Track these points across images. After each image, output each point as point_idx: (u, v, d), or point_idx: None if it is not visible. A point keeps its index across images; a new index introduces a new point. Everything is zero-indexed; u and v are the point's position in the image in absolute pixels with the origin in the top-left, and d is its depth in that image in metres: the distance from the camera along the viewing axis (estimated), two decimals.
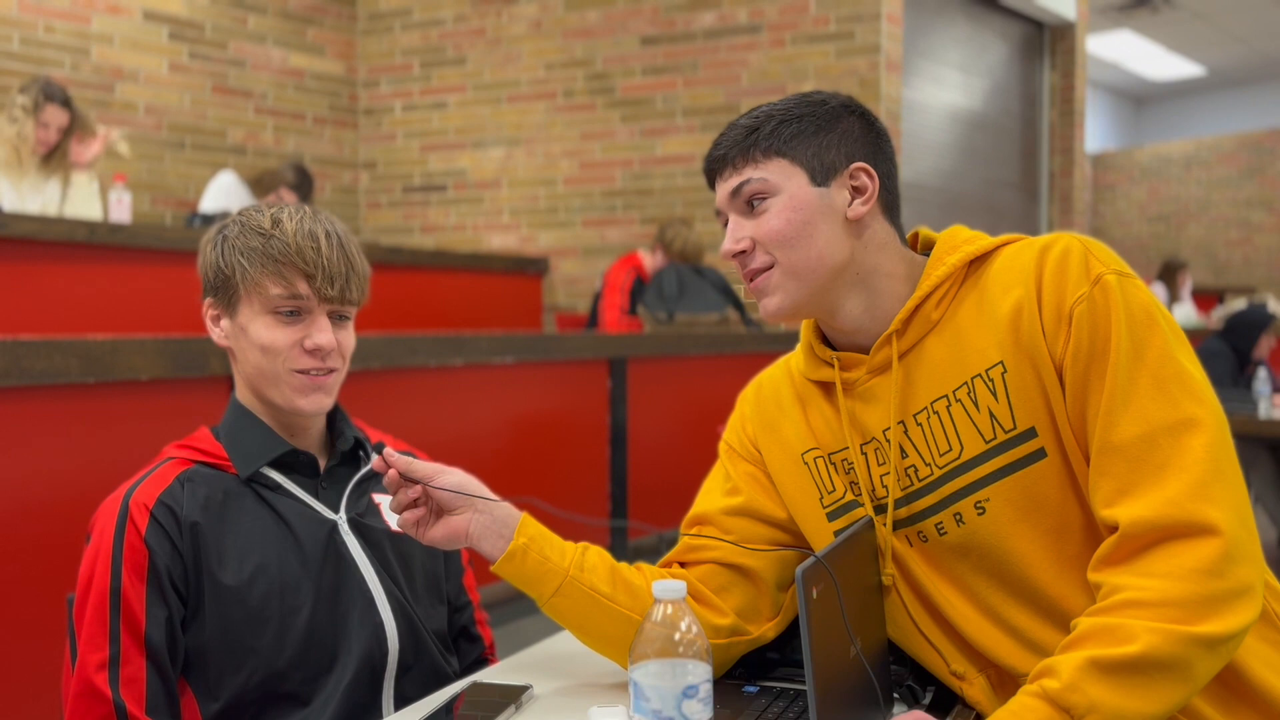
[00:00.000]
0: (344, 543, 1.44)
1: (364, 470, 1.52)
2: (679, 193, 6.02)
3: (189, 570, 1.36)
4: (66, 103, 4.40)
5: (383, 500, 1.51)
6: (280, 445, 1.45)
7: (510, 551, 1.29)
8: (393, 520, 1.48)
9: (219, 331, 1.47)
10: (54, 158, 4.40)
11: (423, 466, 1.31)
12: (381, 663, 1.43)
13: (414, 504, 1.32)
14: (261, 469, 1.44)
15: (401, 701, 1.43)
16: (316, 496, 1.46)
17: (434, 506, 1.32)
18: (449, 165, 6.69)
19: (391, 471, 1.30)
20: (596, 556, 1.33)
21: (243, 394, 1.48)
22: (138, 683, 1.31)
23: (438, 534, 1.32)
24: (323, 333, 1.42)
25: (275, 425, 1.46)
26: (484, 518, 1.31)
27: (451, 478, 1.32)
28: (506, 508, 1.33)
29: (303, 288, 1.40)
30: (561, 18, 6.29)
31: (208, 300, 1.47)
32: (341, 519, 1.46)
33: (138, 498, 1.37)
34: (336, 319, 1.45)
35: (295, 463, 1.47)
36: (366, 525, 1.48)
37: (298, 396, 1.43)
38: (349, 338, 1.47)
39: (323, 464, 1.49)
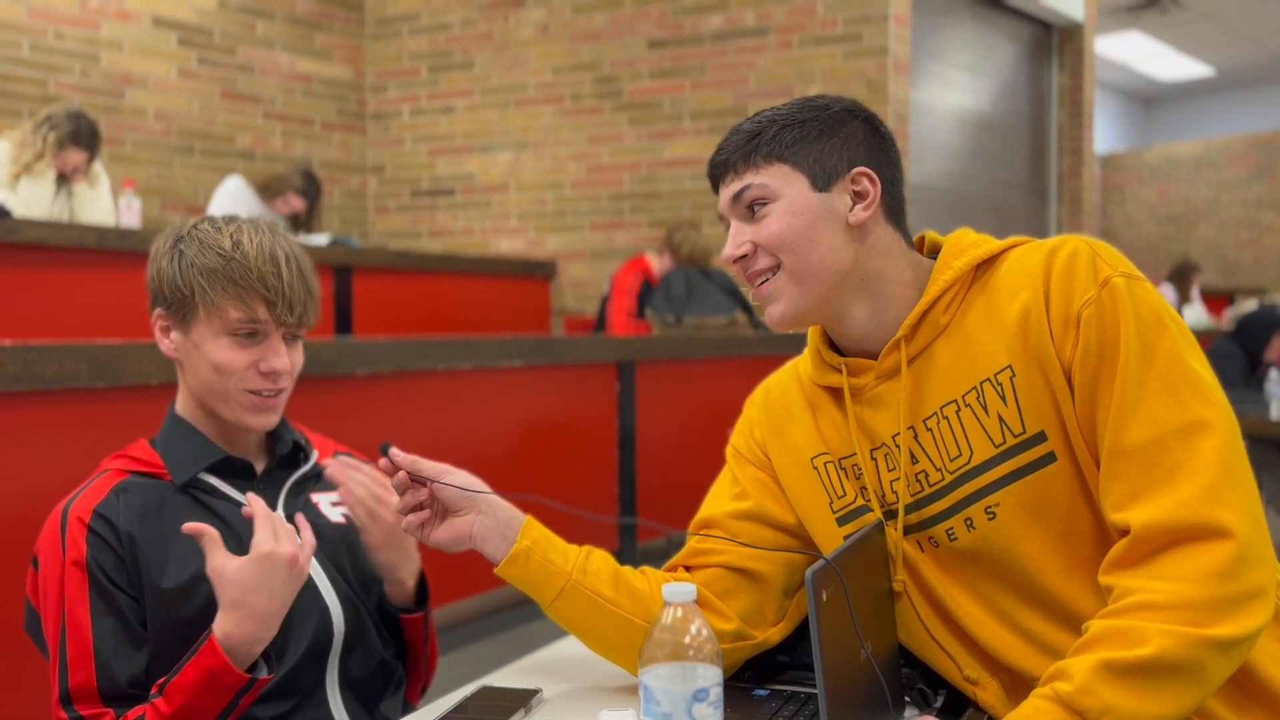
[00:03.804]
0: None
1: (302, 471, 1.54)
2: (687, 196, 6.02)
3: (132, 577, 1.38)
4: (92, 145, 4.43)
5: (321, 499, 1.54)
6: (215, 453, 1.47)
7: (513, 554, 1.29)
8: (334, 515, 1.52)
9: (168, 343, 1.48)
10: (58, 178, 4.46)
11: (429, 465, 1.32)
12: (326, 646, 1.46)
13: (419, 506, 1.32)
14: (198, 475, 1.46)
15: (345, 680, 1.46)
16: None
17: (439, 508, 1.33)
18: (457, 169, 6.70)
19: (401, 474, 1.30)
20: (600, 560, 1.33)
21: (183, 405, 1.50)
22: (93, 697, 1.34)
23: (442, 536, 1.32)
24: (278, 356, 1.44)
25: (214, 435, 1.49)
26: (488, 520, 1.31)
27: (456, 478, 1.32)
28: (510, 510, 1.33)
29: (262, 313, 1.42)
30: (569, 21, 6.30)
31: (158, 311, 1.48)
32: (279, 515, 1.47)
33: (74, 511, 1.39)
34: (289, 339, 1.47)
35: (231, 468, 1.49)
36: (306, 519, 1.49)
37: (248, 415, 1.45)
38: (299, 356, 1.50)
39: (259, 468, 1.52)
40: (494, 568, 1.32)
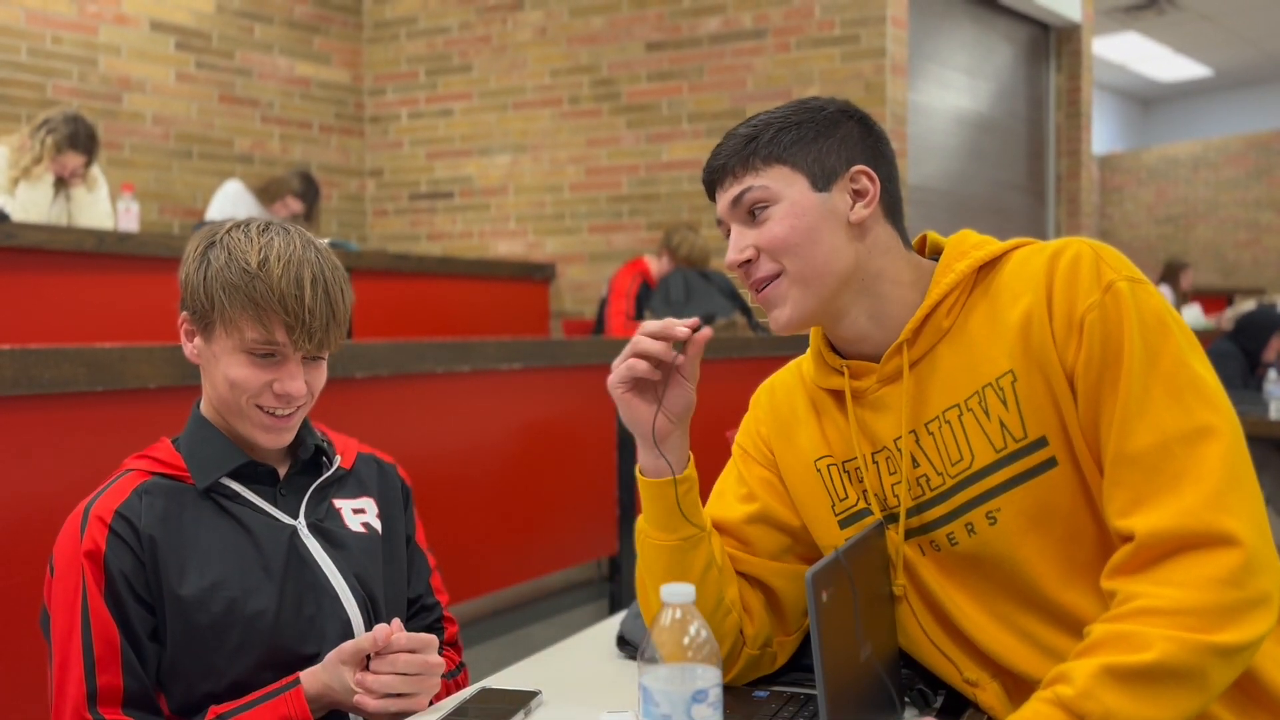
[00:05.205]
0: (305, 546, 1.45)
1: (324, 477, 1.52)
2: (685, 198, 6.02)
3: (150, 582, 1.37)
4: (90, 148, 4.43)
5: (344, 506, 1.52)
6: (239, 457, 1.46)
7: (688, 474, 1.28)
8: (355, 523, 1.50)
9: (191, 347, 1.46)
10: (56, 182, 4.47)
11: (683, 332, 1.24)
12: None
13: (657, 366, 1.26)
14: (220, 479, 1.44)
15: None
16: (275, 504, 1.47)
17: (670, 375, 1.27)
18: (455, 172, 6.70)
19: (703, 332, 1.24)
20: (719, 540, 1.33)
21: (207, 408, 1.49)
22: (116, 701, 1.33)
23: (676, 402, 1.26)
24: (293, 380, 1.41)
25: (235, 438, 1.47)
26: (684, 428, 1.29)
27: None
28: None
29: (280, 336, 1.39)
30: (567, 24, 6.30)
31: (184, 314, 1.46)
32: (301, 524, 1.47)
33: (96, 510, 1.38)
34: (309, 360, 1.45)
35: (254, 472, 1.47)
36: (328, 528, 1.49)
37: (259, 432, 1.43)
38: (320, 378, 1.47)
39: (282, 472, 1.50)
40: (668, 471, 1.26)
